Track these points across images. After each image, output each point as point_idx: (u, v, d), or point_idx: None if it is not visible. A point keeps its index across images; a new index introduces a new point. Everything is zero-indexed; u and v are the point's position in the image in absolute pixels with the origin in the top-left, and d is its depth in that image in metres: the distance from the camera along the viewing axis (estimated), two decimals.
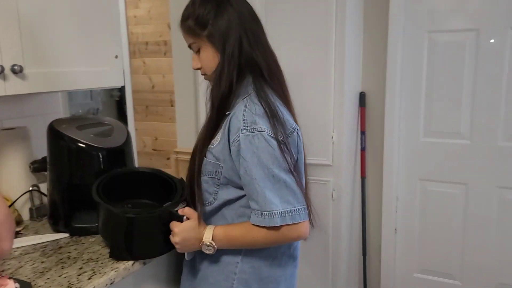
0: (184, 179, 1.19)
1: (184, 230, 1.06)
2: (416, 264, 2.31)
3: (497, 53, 1.98)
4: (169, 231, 1.09)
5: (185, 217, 1.08)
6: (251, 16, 1.11)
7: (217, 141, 1.07)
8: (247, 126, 1.00)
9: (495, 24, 1.97)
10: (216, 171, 1.08)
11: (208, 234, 1.06)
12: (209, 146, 1.09)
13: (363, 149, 2.27)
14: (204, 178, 1.10)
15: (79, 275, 1.06)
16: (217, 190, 1.09)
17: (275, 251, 1.12)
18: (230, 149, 1.04)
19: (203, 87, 1.28)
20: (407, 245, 2.32)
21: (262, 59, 1.09)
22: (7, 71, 1.17)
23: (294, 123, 1.10)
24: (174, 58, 2.50)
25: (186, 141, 2.54)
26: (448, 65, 2.09)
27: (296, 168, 1.05)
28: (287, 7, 2.05)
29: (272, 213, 0.99)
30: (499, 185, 2.07)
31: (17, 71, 1.19)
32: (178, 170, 2.52)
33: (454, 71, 2.08)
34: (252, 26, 1.09)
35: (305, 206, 1.03)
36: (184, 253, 1.15)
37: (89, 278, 1.04)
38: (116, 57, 1.52)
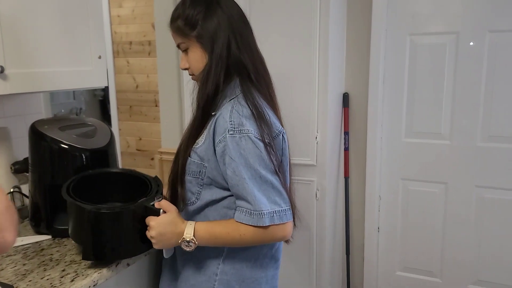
0: (168, 179, 1.19)
1: (161, 224, 1.03)
2: (398, 262, 2.35)
3: (476, 55, 2.03)
4: (145, 229, 1.05)
5: (161, 211, 1.04)
6: (241, 19, 1.12)
7: (202, 141, 1.08)
8: (234, 128, 1.01)
9: (474, 28, 2.02)
10: (200, 171, 1.08)
11: (189, 230, 1.03)
12: (193, 146, 1.09)
13: (346, 149, 2.30)
14: (187, 177, 1.10)
15: (62, 277, 1.06)
16: (200, 190, 1.10)
17: (257, 252, 1.12)
18: (215, 150, 1.05)
19: (188, 87, 1.29)
20: (389, 243, 2.35)
21: (249, 61, 1.10)
22: None
23: (280, 126, 1.12)
24: (159, 58, 2.49)
25: (170, 141, 2.53)
26: (429, 67, 2.14)
27: (280, 169, 1.06)
28: (271, 8, 2.06)
29: (262, 213, 1.00)
30: (478, 184, 2.12)
31: None
32: (162, 171, 2.51)
33: (434, 73, 2.13)
34: (241, 28, 1.10)
35: (290, 206, 1.05)
36: (162, 252, 1.11)
37: (72, 280, 1.04)
38: (100, 57, 1.51)
